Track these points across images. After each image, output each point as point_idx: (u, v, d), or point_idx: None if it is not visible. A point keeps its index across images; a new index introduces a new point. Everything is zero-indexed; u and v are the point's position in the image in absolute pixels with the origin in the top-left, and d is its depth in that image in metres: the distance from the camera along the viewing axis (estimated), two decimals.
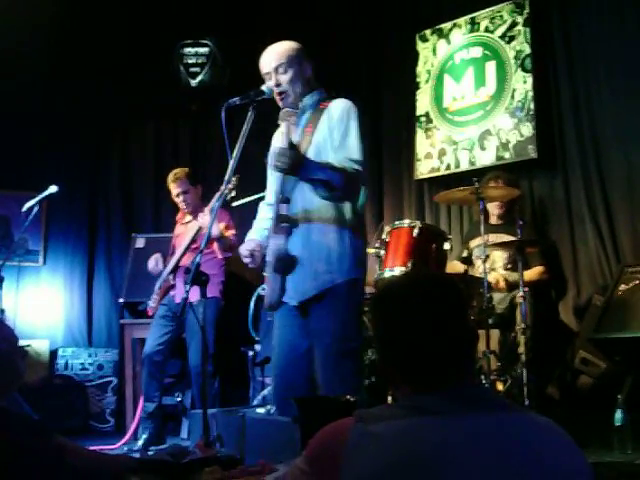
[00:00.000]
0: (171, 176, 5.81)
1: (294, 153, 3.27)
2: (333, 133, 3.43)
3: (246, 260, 3.57)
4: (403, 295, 1.66)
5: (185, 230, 5.69)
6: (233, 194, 4.87)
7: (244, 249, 3.58)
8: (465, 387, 1.59)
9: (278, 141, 3.66)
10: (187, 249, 5.51)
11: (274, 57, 3.52)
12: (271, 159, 3.37)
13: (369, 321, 4.04)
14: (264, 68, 3.54)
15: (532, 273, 5.27)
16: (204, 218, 5.20)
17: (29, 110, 6.86)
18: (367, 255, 3.65)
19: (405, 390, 1.61)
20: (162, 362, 5.54)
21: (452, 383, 1.58)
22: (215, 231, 5.19)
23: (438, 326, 1.59)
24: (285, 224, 3.42)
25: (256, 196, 4.02)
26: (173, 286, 5.62)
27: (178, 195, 5.77)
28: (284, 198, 3.43)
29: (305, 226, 3.41)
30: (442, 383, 1.57)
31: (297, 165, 3.26)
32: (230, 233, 5.53)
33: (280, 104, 3.56)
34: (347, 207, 3.45)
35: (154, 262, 5.66)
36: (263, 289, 3.65)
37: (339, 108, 3.47)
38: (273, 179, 3.69)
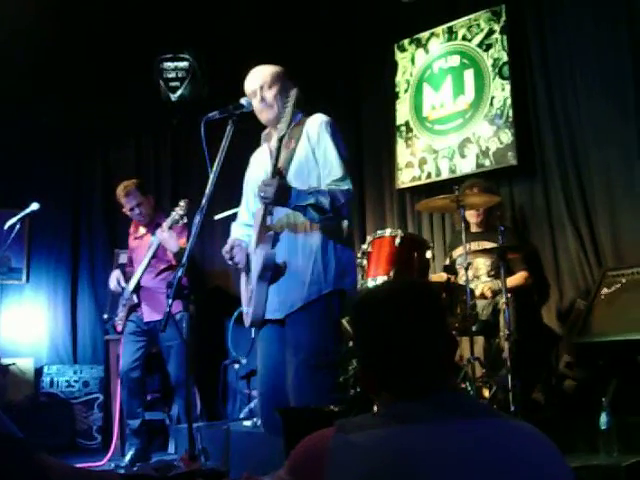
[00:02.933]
0: (121, 190, 5.70)
1: (279, 183, 3.23)
2: (315, 153, 3.45)
3: (226, 256, 3.57)
4: (383, 302, 1.67)
5: (141, 245, 5.65)
6: (185, 220, 4.89)
7: (226, 247, 3.58)
8: (446, 394, 1.60)
9: (260, 162, 3.67)
10: (148, 266, 5.46)
11: (259, 77, 3.56)
12: (256, 189, 3.34)
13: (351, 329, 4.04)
14: (249, 88, 3.57)
15: (516, 279, 5.29)
16: (163, 235, 5.19)
17: (10, 127, 6.84)
18: (355, 264, 3.64)
19: (386, 398, 1.62)
20: (140, 378, 5.51)
21: (433, 390, 1.58)
22: (174, 248, 5.20)
23: (418, 333, 1.60)
24: (270, 232, 3.42)
25: (237, 210, 4.01)
26: (137, 305, 5.57)
27: (132, 209, 5.68)
28: (269, 210, 3.43)
29: (290, 235, 3.42)
30: (423, 390, 1.58)
31: (282, 195, 3.23)
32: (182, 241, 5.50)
33: (263, 120, 3.59)
34: (335, 220, 3.46)
35: (115, 281, 5.64)
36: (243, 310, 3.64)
37: (315, 125, 3.48)
38: (249, 200, 3.72)
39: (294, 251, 3.41)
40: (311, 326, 3.35)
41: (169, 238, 5.20)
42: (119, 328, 5.64)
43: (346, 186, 3.36)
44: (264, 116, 3.58)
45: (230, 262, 3.59)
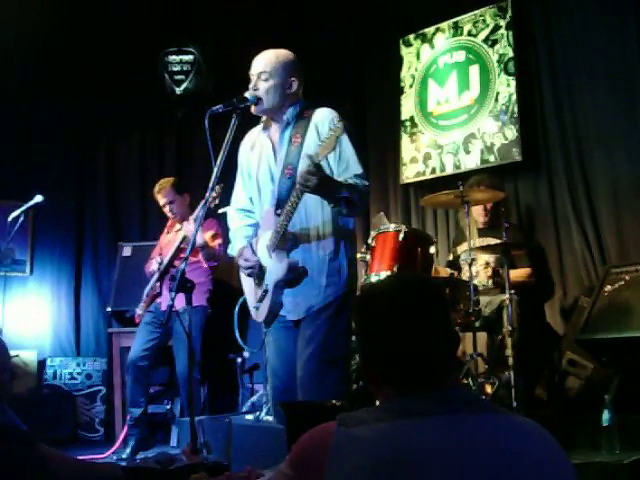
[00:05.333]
0: (156, 187, 5.87)
1: (323, 174, 3.19)
2: None
3: (248, 271, 3.59)
4: (386, 297, 1.67)
5: (174, 239, 5.69)
6: (217, 202, 4.87)
7: (242, 260, 3.58)
8: (448, 389, 1.60)
9: (262, 152, 3.65)
10: (174, 257, 5.51)
11: (262, 63, 3.51)
12: (298, 177, 3.24)
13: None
14: (252, 69, 3.54)
15: (519, 273, 5.27)
16: (188, 227, 5.21)
17: (14, 119, 6.84)
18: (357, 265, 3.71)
19: (387, 392, 1.61)
20: (147, 368, 5.54)
21: (435, 385, 1.58)
22: (199, 240, 5.19)
23: (420, 328, 1.60)
24: (290, 238, 3.42)
25: None
26: (159, 294, 5.62)
27: (164, 205, 5.82)
28: (289, 215, 3.40)
29: (304, 240, 3.44)
30: (425, 385, 1.58)
31: (324, 187, 3.21)
32: (216, 243, 5.54)
33: (252, 109, 3.53)
34: (343, 221, 3.49)
35: (155, 264, 5.67)
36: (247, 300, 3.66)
37: (326, 120, 3.44)
38: (249, 187, 3.70)
39: (309, 256, 3.43)
40: (326, 323, 3.39)
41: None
42: (138, 319, 5.66)
43: (367, 182, 3.41)
44: (254, 107, 3.52)
45: (246, 271, 3.60)
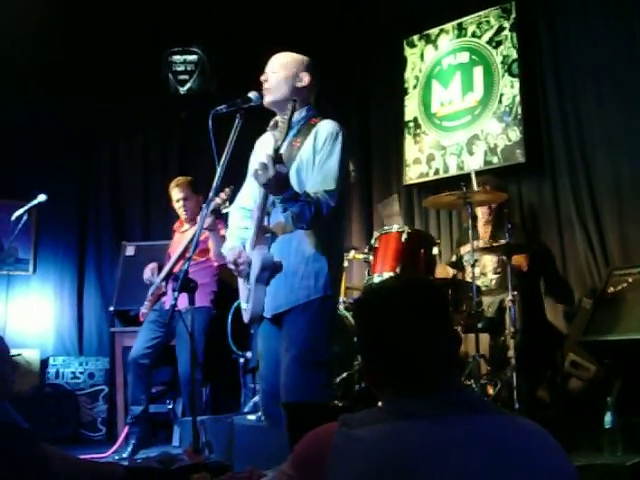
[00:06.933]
0: (174, 182, 5.87)
1: (279, 174, 3.09)
2: (316, 156, 3.39)
3: (232, 267, 3.56)
4: (387, 298, 1.66)
5: (181, 239, 5.68)
6: (227, 204, 4.82)
7: (230, 257, 3.55)
8: (450, 390, 1.59)
9: (264, 148, 3.65)
10: (180, 257, 5.50)
11: (275, 61, 3.54)
12: (256, 168, 3.29)
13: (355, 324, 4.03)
14: (265, 69, 3.55)
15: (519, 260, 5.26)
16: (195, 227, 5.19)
17: (18, 118, 6.84)
18: (342, 271, 3.64)
19: (389, 393, 1.61)
20: (149, 366, 5.51)
21: (437, 386, 1.58)
22: (208, 223, 5.08)
23: (421, 330, 1.59)
24: (268, 235, 3.41)
25: None
26: (165, 293, 5.61)
27: (178, 200, 5.79)
28: (267, 211, 3.41)
29: (284, 238, 3.39)
30: (427, 386, 1.57)
31: (278, 186, 3.13)
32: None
33: (264, 103, 3.50)
34: (330, 220, 3.43)
35: (150, 272, 5.65)
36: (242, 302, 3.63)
37: (326, 131, 3.41)
38: (253, 186, 3.67)
39: (286, 254, 3.37)
40: (304, 325, 3.32)
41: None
42: (142, 318, 5.65)
43: (333, 202, 3.26)
44: (264, 98, 3.50)
45: (236, 273, 3.57)
